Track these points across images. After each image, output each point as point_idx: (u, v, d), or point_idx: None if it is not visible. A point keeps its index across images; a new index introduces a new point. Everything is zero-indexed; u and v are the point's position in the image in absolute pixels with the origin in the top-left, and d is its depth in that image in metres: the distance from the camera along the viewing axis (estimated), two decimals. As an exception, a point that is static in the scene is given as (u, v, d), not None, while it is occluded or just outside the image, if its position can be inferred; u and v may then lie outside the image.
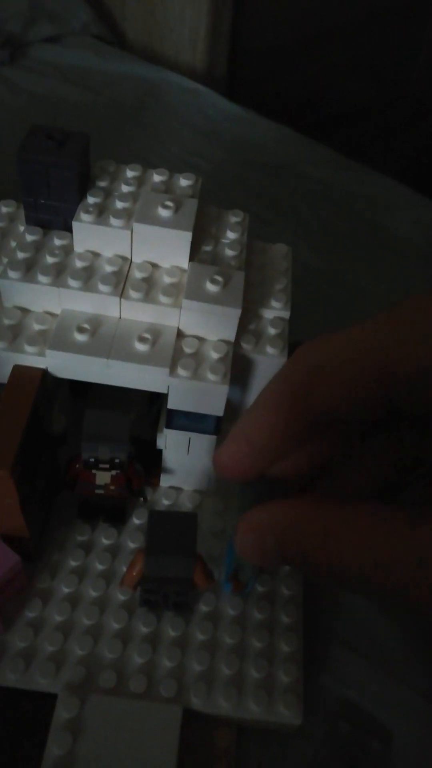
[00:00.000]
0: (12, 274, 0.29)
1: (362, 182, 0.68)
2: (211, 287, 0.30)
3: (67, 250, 0.31)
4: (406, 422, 0.20)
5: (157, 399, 0.35)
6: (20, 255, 0.30)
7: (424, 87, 1.24)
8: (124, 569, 0.32)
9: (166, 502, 0.36)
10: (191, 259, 0.31)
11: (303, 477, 0.21)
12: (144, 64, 0.79)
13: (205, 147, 0.68)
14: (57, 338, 0.29)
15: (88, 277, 0.30)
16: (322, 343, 0.18)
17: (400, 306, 0.17)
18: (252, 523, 0.18)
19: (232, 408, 0.33)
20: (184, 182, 0.33)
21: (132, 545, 0.34)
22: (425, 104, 1.26)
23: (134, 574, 0.30)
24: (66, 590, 0.32)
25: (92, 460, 0.31)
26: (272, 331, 0.32)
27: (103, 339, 0.29)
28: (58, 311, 0.31)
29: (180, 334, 0.30)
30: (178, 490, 0.36)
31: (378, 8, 1.05)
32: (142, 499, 0.35)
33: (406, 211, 0.65)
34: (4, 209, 0.35)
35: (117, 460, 0.31)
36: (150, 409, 0.37)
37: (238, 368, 0.32)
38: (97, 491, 0.32)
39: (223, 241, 0.33)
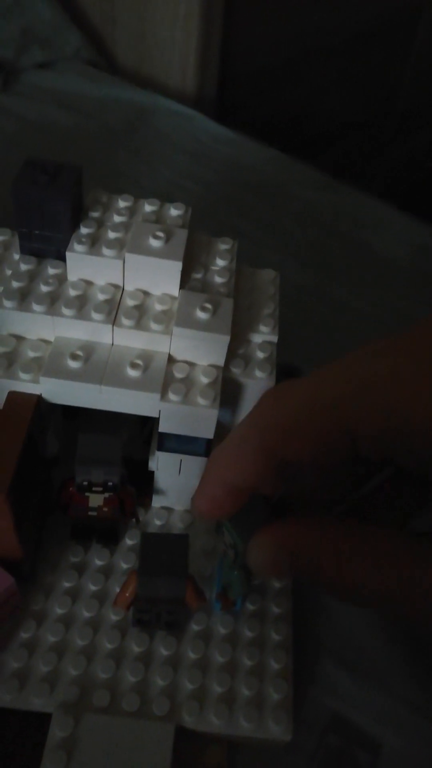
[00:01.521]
0: (7, 303, 0.30)
1: (348, 202, 0.70)
2: (200, 314, 0.31)
3: (61, 279, 0.32)
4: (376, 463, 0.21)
5: (149, 420, 0.36)
6: (15, 284, 0.31)
7: (410, 104, 1.27)
8: (117, 590, 0.33)
9: (157, 522, 0.37)
10: (182, 286, 0.32)
11: (276, 494, 0.22)
12: (135, 88, 0.81)
13: (195, 169, 0.70)
14: (51, 365, 0.30)
15: (81, 306, 0.31)
16: (286, 394, 0.19)
17: (365, 357, 0.18)
18: (267, 538, 0.19)
19: (223, 429, 0.34)
20: (174, 212, 0.34)
21: (125, 566, 0.34)
22: (411, 121, 1.29)
23: (127, 594, 0.31)
24: (59, 611, 0.32)
25: (85, 483, 0.32)
26: (260, 354, 0.33)
27: (96, 365, 0.30)
28: (52, 338, 0.31)
29: (171, 360, 0.31)
30: (169, 510, 0.37)
31: (363, 28, 1.07)
32: (134, 520, 0.36)
33: (391, 231, 0.67)
34: (-1, 237, 0.36)
35: (110, 483, 0.32)
36: (142, 430, 0.37)
37: (228, 391, 0.33)
38: (90, 513, 0.33)
39: (213, 268, 0.34)
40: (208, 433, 0.32)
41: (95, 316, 0.31)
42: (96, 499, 0.32)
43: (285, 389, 0.19)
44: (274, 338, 0.34)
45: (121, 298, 0.32)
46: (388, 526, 0.19)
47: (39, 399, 0.30)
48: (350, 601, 0.19)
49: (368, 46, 1.10)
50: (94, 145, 0.70)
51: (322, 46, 1.03)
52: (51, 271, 0.32)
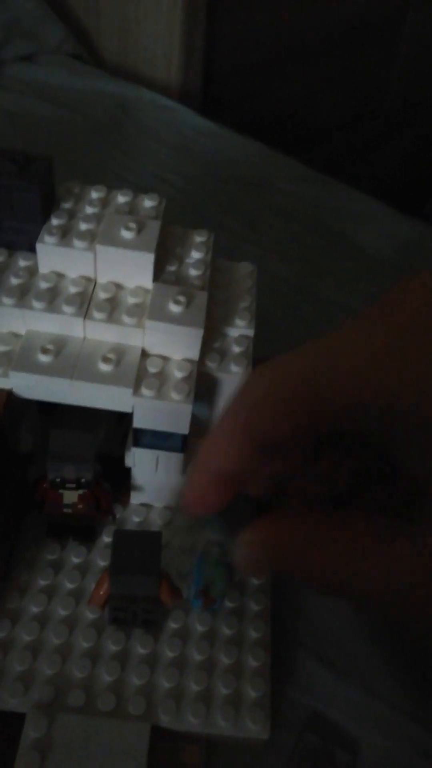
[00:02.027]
0: (-24, 296, 0.30)
1: (332, 196, 0.69)
2: (174, 307, 0.30)
3: (32, 271, 0.31)
4: (348, 440, 0.21)
5: (126, 417, 0.36)
6: (-15, 277, 0.31)
7: (397, 102, 1.26)
8: (93, 587, 0.32)
9: (136, 519, 0.36)
10: (155, 279, 0.32)
11: (263, 494, 0.22)
12: (119, 81, 0.80)
13: (179, 163, 0.69)
14: (21, 359, 0.29)
15: (52, 298, 0.30)
16: (262, 375, 0.19)
17: (331, 334, 0.18)
18: (253, 536, 0.20)
19: (199, 425, 0.34)
20: (148, 203, 0.34)
21: (102, 563, 0.34)
22: (398, 119, 1.28)
23: (101, 593, 0.30)
24: (35, 610, 0.32)
25: (58, 479, 0.31)
26: (236, 349, 0.33)
27: (67, 360, 0.30)
28: (22, 332, 0.31)
29: (144, 354, 0.31)
30: (148, 507, 0.37)
31: (350, 25, 1.06)
32: (111, 517, 0.35)
33: (376, 225, 0.66)
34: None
35: (83, 480, 0.31)
36: (119, 426, 0.37)
37: (204, 386, 0.32)
38: (65, 510, 0.32)
39: (188, 261, 0.34)
40: (183, 428, 0.31)
41: (66, 309, 0.30)
42: (70, 496, 0.32)
43: (259, 371, 0.19)
44: (251, 332, 0.33)
45: (93, 290, 0.31)
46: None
47: (9, 394, 0.30)
48: (340, 597, 0.20)
49: (355, 42, 1.10)
50: (78, 138, 0.70)
51: (309, 42, 1.02)
52: (22, 263, 0.32)
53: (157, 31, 0.83)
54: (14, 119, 0.70)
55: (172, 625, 0.32)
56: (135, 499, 0.37)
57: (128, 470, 0.35)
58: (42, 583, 0.33)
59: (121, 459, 0.34)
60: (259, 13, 0.91)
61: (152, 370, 0.30)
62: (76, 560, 0.34)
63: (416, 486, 0.18)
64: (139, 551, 0.29)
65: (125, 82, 0.80)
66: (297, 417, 0.18)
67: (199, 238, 0.35)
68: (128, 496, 0.37)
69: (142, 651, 0.31)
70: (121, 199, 0.34)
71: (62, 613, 0.32)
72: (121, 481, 0.36)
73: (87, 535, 0.34)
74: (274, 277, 0.57)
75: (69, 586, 0.33)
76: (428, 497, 0.18)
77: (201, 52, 0.85)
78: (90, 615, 0.32)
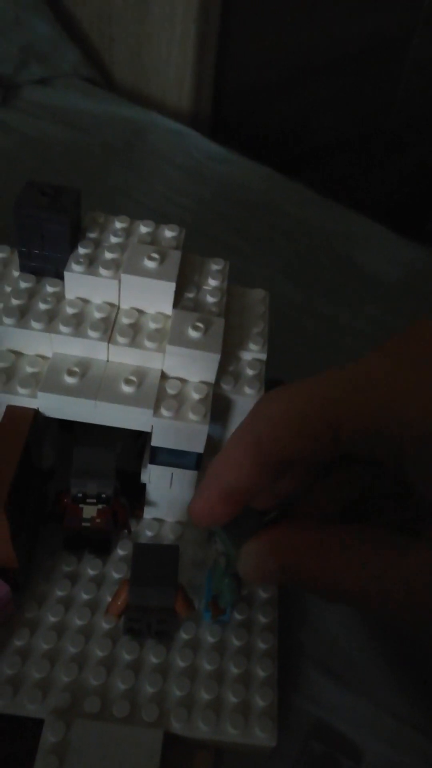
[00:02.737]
0: (6, 320, 0.32)
1: (338, 220, 0.71)
2: (193, 333, 0.32)
3: (59, 297, 0.33)
4: (360, 461, 0.22)
5: (142, 434, 0.37)
6: (14, 302, 0.32)
7: (401, 123, 1.29)
8: (109, 599, 0.34)
9: (149, 533, 0.38)
10: (175, 305, 0.34)
11: (272, 510, 0.23)
12: (131, 105, 0.82)
13: (189, 186, 0.71)
14: (48, 381, 0.31)
15: (78, 323, 0.32)
16: (279, 396, 0.20)
17: (353, 363, 0.20)
18: (258, 546, 0.21)
19: (213, 444, 0.35)
20: (168, 233, 0.36)
21: (116, 576, 0.35)
22: (401, 140, 1.31)
23: (119, 603, 0.31)
24: (52, 619, 0.33)
25: (80, 495, 0.33)
26: (250, 372, 0.34)
27: (91, 381, 0.32)
28: (49, 354, 0.33)
29: (164, 376, 0.33)
30: (160, 521, 0.38)
31: (356, 48, 1.09)
32: (126, 531, 0.37)
33: (381, 249, 0.68)
34: (-1, 255, 0.37)
35: (104, 495, 0.33)
36: (135, 443, 0.38)
37: (219, 407, 0.34)
38: (84, 524, 0.34)
39: (205, 288, 0.35)
40: (199, 447, 0.33)
41: (91, 333, 0.32)
42: (90, 511, 0.33)
43: (277, 392, 0.20)
44: (263, 356, 0.35)
45: (116, 316, 0.33)
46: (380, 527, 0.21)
47: (36, 413, 0.31)
48: (348, 604, 0.21)
49: (360, 65, 1.13)
50: (91, 160, 0.72)
51: (315, 65, 1.05)
52: (49, 289, 0.33)
53: (170, 57, 0.85)
54: (29, 141, 0.72)
55: (184, 636, 0.34)
56: (148, 513, 0.38)
57: (142, 486, 0.37)
58: (59, 593, 0.34)
59: (136, 475, 0.36)
60: (266, 37, 0.94)
61: (171, 392, 0.32)
62: (92, 572, 0.35)
63: (426, 505, 0.19)
64: (156, 563, 0.30)
65: (137, 106, 0.83)
66: (310, 439, 0.19)
67: (215, 267, 0.37)
68: (142, 511, 0.38)
69: (154, 660, 0.33)
70: (143, 229, 0.36)
71: (78, 622, 0.34)
72: (135, 496, 0.37)
73: (103, 549, 0.36)
74: (280, 298, 0.58)
75: (85, 597, 0.35)
76: None
77: (212, 76, 0.88)
78: (105, 625, 0.34)
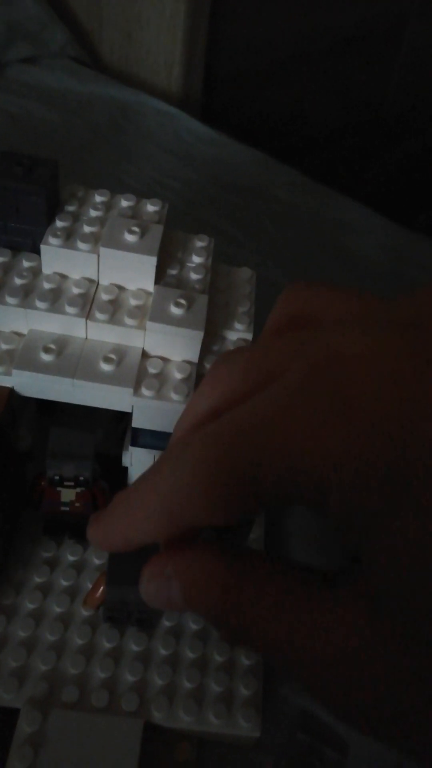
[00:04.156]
0: (-20, 295, 0.30)
1: (328, 205, 0.70)
2: (175, 310, 0.31)
3: (35, 271, 0.32)
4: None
5: (124, 416, 0.36)
6: (-11, 276, 0.31)
7: (395, 112, 1.28)
8: (89, 585, 0.33)
9: (131, 518, 0.36)
10: (157, 282, 0.32)
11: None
12: (120, 86, 0.81)
13: (179, 169, 0.70)
14: (23, 358, 0.30)
15: (55, 299, 0.31)
16: (189, 450, 0.17)
17: (261, 395, 0.16)
18: (155, 571, 0.18)
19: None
20: (150, 208, 0.34)
21: (97, 562, 0.34)
22: (393, 130, 1.30)
23: (97, 595, 0.30)
24: (30, 606, 0.32)
25: (57, 477, 0.32)
26: (235, 352, 0.33)
27: (69, 359, 0.30)
28: (25, 331, 0.31)
29: (145, 355, 0.31)
30: (143, 506, 0.37)
31: (349, 34, 1.08)
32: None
33: (371, 235, 0.67)
34: (-25, 230, 0.36)
35: (82, 478, 0.32)
36: (117, 426, 0.37)
37: (202, 388, 0.33)
38: (63, 508, 0.33)
39: (189, 264, 0.34)
40: (182, 428, 0.32)
41: (69, 309, 0.31)
42: (68, 494, 0.32)
43: (188, 444, 0.17)
44: (249, 336, 0.34)
45: (95, 292, 0.32)
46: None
47: (11, 392, 0.30)
48: (243, 647, 0.18)
49: (354, 52, 1.11)
50: (79, 142, 0.70)
51: (309, 50, 1.04)
52: (25, 263, 0.32)
53: (160, 38, 0.84)
54: (15, 120, 0.71)
55: (166, 623, 0.33)
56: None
57: (124, 470, 0.35)
58: (37, 580, 0.33)
59: (118, 458, 0.35)
60: (259, 21, 0.93)
61: (152, 371, 0.31)
62: (71, 558, 0.34)
63: (351, 552, 0.16)
64: (135, 558, 0.29)
65: (126, 87, 0.81)
66: (229, 508, 0.16)
67: (199, 243, 0.36)
68: (124, 496, 0.37)
69: (135, 648, 0.32)
70: (125, 203, 0.34)
71: (57, 610, 0.32)
72: (117, 481, 0.36)
73: (83, 533, 0.35)
74: (270, 282, 0.57)
75: (64, 583, 0.33)
76: (368, 565, 0.15)
77: (202, 58, 0.86)
78: (84, 612, 0.32)
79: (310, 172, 0.75)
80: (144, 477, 0.18)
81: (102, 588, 0.30)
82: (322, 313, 0.20)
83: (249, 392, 0.18)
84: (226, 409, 0.18)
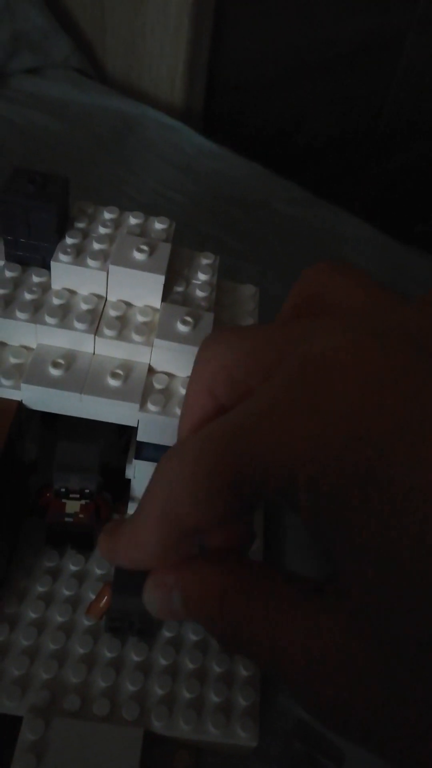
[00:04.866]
0: (-9, 309, 0.31)
1: (328, 219, 0.71)
2: (181, 328, 0.31)
3: (45, 287, 0.33)
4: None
5: (126, 429, 0.37)
6: (-1, 291, 0.32)
7: (392, 124, 1.29)
8: (91, 595, 0.33)
9: (133, 529, 0.37)
10: (163, 299, 0.33)
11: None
12: (123, 98, 0.82)
13: (180, 181, 0.71)
14: (32, 372, 0.31)
15: (64, 315, 0.32)
16: (182, 454, 0.17)
17: (249, 400, 0.17)
18: (158, 581, 0.19)
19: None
20: (158, 226, 0.35)
21: (99, 572, 0.35)
22: (391, 142, 1.32)
23: (100, 606, 0.31)
24: (33, 615, 0.33)
25: (63, 489, 0.32)
26: (238, 368, 0.34)
27: (77, 374, 0.31)
28: (34, 345, 0.32)
29: (151, 371, 0.32)
30: (145, 517, 0.38)
31: (349, 47, 1.09)
32: (110, 526, 0.36)
33: (369, 248, 0.68)
34: (-16, 243, 0.36)
35: (87, 490, 0.32)
36: (119, 438, 0.38)
37: (205, 403, 0.33)
38: (67, 519, 0.33)
39: (194, 282, 0.35)
40: (185, 443, 0.32)
41: (78, 325, 0.31)
42: (73, 506, 0.33)
43: (183, 448, 0.18)
44: (253, 352, 0.35)
45: (103, 308, 0.32)
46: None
47: (19, 405, 0.31)
48: (238, 653, 0.18)
49: (354, 64, 1.13)
50: (81, 152, 0.71)
51: (309, 63, 1.05)
52: (35, 279, 0.33)
53: (163, 50, 0.85)
54: (18, 130, 0.72)
55: (166, 634, 0.33)
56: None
57: (126, 481, 0.36)
58: (40, 589, 0.34)
59: (120, 470, 0.36)
60: (260, 35, 0.94)
61: (158, 386, 0.32)
62: (73, 568, 0.35)
63: (329, 561, 0.16)
64: (141, 570, 0.30)
65: (129, 98, 0.82)
66: (219, 505, 0.17)
67: (205, 261, 0.36)
68: (125, 506, 0.38)
69: (136, 658, 0.32)
70: (133, 220, 0.35)
71: (59, 619, 0.33)
72: (119, 492, 0.37)
73: (85, 544, 0.35)
74: (270, 295, 0.58)
75: (66, 593, 0.34)
76: (347, 576, 0.15)
77: (205, 71, 0.87)
78: (86, 622, 0.33)
79: (308, 182, 0.76)
80: (146, 489, 0.19)
81: (106, 598, 0.31)
82: (331, 297, 0.21)
83: (244, 383, 0.19)
84: (223, 395, 0.20)
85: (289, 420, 0.15)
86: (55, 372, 0.31)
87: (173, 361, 0.32)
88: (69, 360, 0.31)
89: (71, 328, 0.31)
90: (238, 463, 0.16)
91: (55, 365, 0.31)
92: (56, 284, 0.33)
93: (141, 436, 0.32)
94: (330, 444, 0.14)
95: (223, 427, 0.17)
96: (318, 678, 0.15)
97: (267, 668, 0.17)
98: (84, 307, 0.32)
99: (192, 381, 0.21)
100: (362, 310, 0.20)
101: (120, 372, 0.31)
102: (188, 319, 0.32)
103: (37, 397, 0.31)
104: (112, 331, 0.31)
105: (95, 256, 0.32)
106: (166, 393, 0.32)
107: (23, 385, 0.30)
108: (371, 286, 0.21)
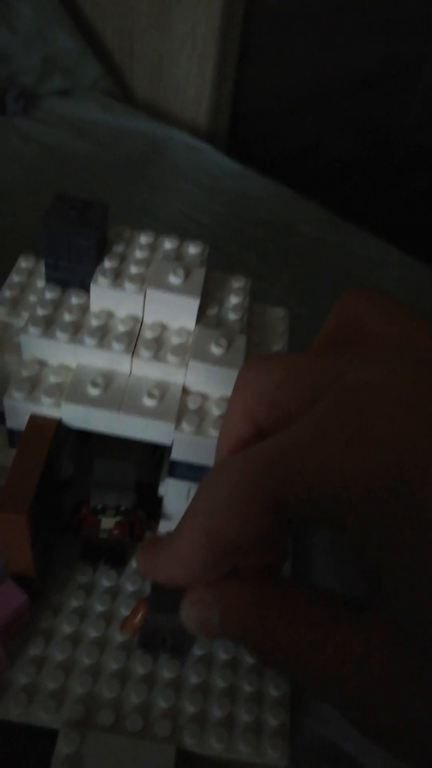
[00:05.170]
0: (32, 330, 0.32)
1: (349, 240, 0.72)
2: (215, 349, 0.32)
3: (84, 308, 0.34)
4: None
5: (159, 447, 0.37)
6: (40, 312, 0.33)
7: (412, 147, 1.30)
8: (123, 611, 0.34)
9: (163, 546, 0.38)
10: (198, 321, 0.34)
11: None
12: (150, 120, 0.83)
13: (205, 202, 0.72)
14: (72, 391, 0.31)
15: (102, 336, 0.32)
16: (226, 473, 0.18)
17: (290, 428, 0.18)
18: (197, 598, 0.20)
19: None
20: (192, 250, 0.36)
21: (131, 588, 0.35)
22: (412, 163, 1.32)
23: (135, 621, 0.31)
24: (67, 629, 0.33)
25: (100, 506, 0.33)
26: (270, 389, 0.34)
27: (114, 393, 0.32)
28: (73, 365, 0.33)
29: (185, 391, 0.33)
30: (175, 534, 0.38)
31: (369, 72, 1.11)
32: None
33: (390, 270, 0.69)
34: (24, 264, 0.37)
35: (122, 507, 0.33)
36: (152, 455, 0.39)
37: (238, 423, 0.34)
38: (101, 536, 0.34)
39: (227, 305, 0.36)
40: (219, 462, 0.33)
41: (115, 346, 0.32)
42: (108, 522, 0.33)
43: (225, 468, 0.19)
44: (284, 373, 0.35)
45: (140, 330, 0.33)
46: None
47: (59, 423, 0.32)
48: (277, 670, 0.19)
49: (373, 89, 1.14)
50: (109, 173, 0.73)
51: (330, 88, 1.07)
52: (75, 300, 0.34)
53: (190, 76, 0.87)
54: (48, 151, 0.73)
55: (198, 652, 0.34)
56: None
57: (159, 498, 0.37)
58: (75, 604, 0.34)
59: (152, 487, 0.36)
60: (283, 61, 0.96)
61: (192, 406, 0.32)
62: (107, 584, 0.35)
63: (373, 579, 0.16)
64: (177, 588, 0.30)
65: (156, 121, 0.84)
66: (263, 525, 0.18)
67: (237, 284, 0.37)
68: (157, 524, 0.38)
69: (168, 675, 0.33)
70: (168, 245, 0.36)
71: (93, 634, 0.34)
72: (151, 508, 0.37)
73: (118, 560, 0.36)
74: (292, 314, 0.59)
75: (100, 608, 0.35)
76: (386, 594, 0.16)
77: (230, 94, 0.89)
78: (119, 637, 0.34)
79: (330, 203, 0.77)
80: (188, 507, 0.20)
81: (141, 614, 0.31)
82: (367, 327, 0.22)
83: (283, 408, 0.20)
84: (262, 419, 0.20)
85: (336, 446, 0.16)
86: (93, 391, 0.31)
87: (207, 381, 0.33)
88: (107, 380, 0.32)
89: (109, 348, 0.32)
90: (285, 485, 0.17)
91: (94, 384, 0.32)
92: (95, 306, 0.34)
93: (175, 455, 0.33)
94: (376, 469, 0.15)
95: (271, 450, 0.18)
96: (370, 695, 0.16)
97: (314, 687, 0.17)
98: (121, 328, 0.33)
99: (232, 403, 0.22)
100: (398, 340, 0.21)
101: (156, 392, 0.32)
102: (222, 341, 0.32)
103: (76, 416, 0.32)
104: (149, 352, 0.32)
105: (133, 279, 0.33)
106: (200, 413, 0.32)
107: (63, 404, 0.31)
108: (404, 314, 0.21)
